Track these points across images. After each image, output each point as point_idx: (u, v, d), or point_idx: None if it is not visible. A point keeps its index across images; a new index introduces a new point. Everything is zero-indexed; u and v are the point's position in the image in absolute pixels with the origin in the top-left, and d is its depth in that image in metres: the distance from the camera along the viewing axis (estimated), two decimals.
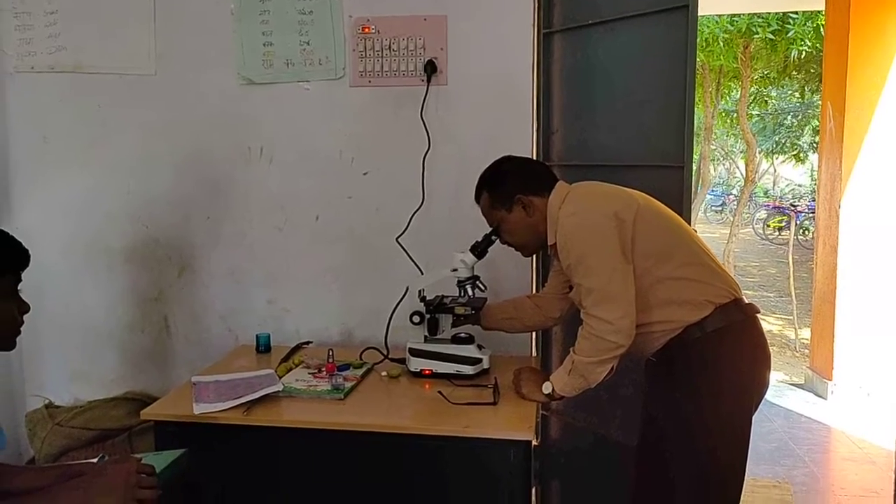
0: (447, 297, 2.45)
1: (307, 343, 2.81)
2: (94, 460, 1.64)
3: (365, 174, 2.83)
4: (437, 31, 2.70)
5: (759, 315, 2.03)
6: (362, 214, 2.84)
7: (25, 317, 1.51)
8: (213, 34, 2.85)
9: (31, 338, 1.52)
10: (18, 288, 1.47)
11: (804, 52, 6.80)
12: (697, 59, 4.21)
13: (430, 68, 2.70)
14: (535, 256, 2.77)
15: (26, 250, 1.46)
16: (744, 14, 6.55)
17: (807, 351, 5.91)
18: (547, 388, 2.06)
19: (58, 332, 3.03)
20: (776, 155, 16.32)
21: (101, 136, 2.96)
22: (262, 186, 2.89)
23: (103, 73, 2.93)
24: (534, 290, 2.77)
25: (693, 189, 3.92)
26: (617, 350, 1.91)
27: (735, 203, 14.99)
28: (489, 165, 2.18)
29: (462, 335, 2.41)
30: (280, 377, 2.32)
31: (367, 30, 2.75)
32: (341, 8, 2.75)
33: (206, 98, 2.89)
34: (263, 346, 2.74)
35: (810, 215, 12.64)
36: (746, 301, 2.01)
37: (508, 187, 2.11)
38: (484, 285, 2.38)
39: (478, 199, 2.19)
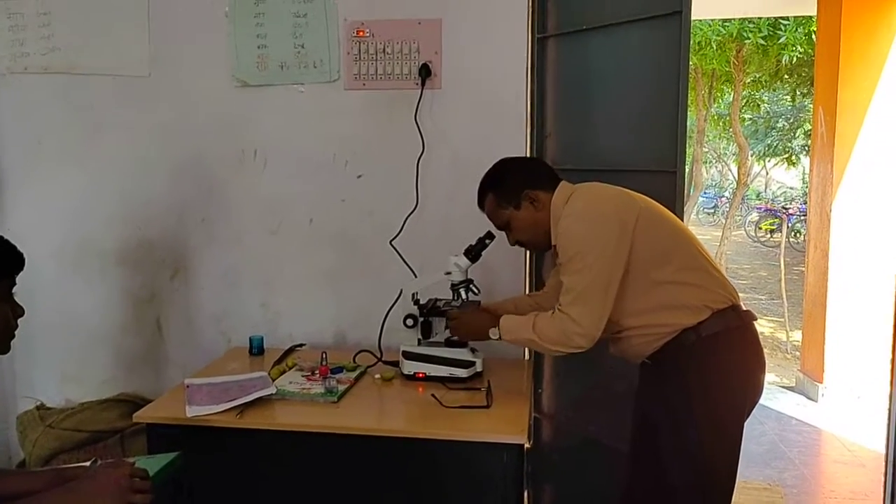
0: (441, 300, 2.46)
1: (300, 345, 2.81)
2: (87, 464, 1.63)
3: (359, 177, 2.83)
4: (431, 35, 2.71)
5: (755, 321, 2.04)
6: (356, 217, 2.84)
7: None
8: (207, 36, 2.85)
9: (22, 339, 1.52)
10: (13, 291, 1.47)
11: (795, 57, 6.83)
12: (690, 63, 4.23)
13: (425, 72, 2.70)
14: (527, 260, 2.78)
15: (21, 254, 1.46)
16: (736, 18, 6.58)
17: (798, 353, 5.93)
18: (494, 334, 2.13)
19: (50, 334, 3.02)
20: (768, 158, 16.37)
21: (94, 137, 2.95)
22: (256, 189, 2.89)
23: (97, 74, 2.92)
24: (526, 292, 2.78)
25: (686, 191, 3.92)
26: (576, 350, 1.95)
27: (727, 205, 15.03)
28: (489, 169, 2.17)
29: (455, 338, 2.42)
30: (273, 380, 2.32)
31: (361, 33, 2.75)
32: (336, 11, 2.75)
33: (200, 100, 2.88)
34: (257, 349, 2.74)
35: (802, 218, 12.68)
36: (744, 307, 2.02)
37: (514, 183, 2.09)
38: (477, 288, 2.38)
39: (481, 202, 2.16)
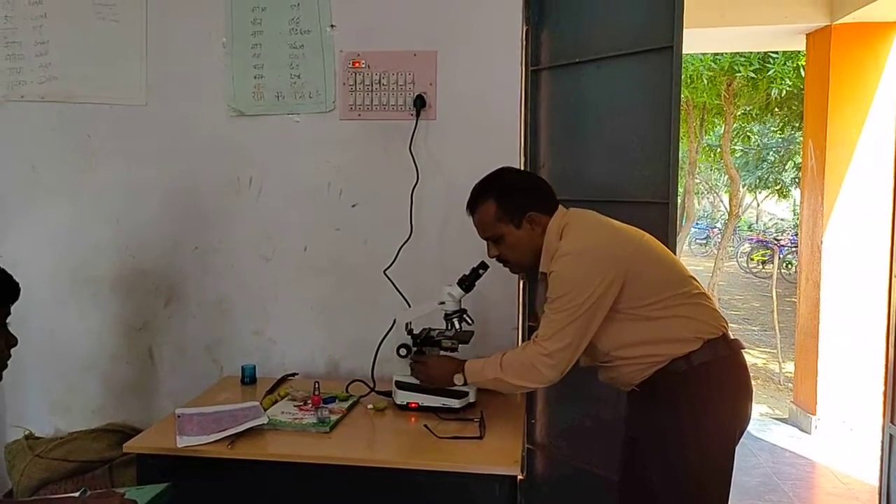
0: (434, 329, 2.45)
1: (293, 375, 2.79)
2: (76, 494, 1.61)
3: (353, 206, 2.84)
4: (426, 67, 2.74)
5: (743, 350, 2.05)
6: (350, 246, 2.85)
7: None
8: (204, 66, 2.87)
9: (12, 367, 1.51)
10: (7, 321, 1.46)
11: (785, 91, 6.92)
12: (682, 97, 4.28)
13: (420, 103, 2.72)
14: (520, 290, 2.78)
15: (16, 283, 1.45)
16: (726, 53, 6.68)
17: (791, 385, 5.93)
18: (459, 380, 2.17)
19: (40, 362, 3.00)
20: (759, 190, 16.51)
21: (89, 165, 2.96)
22: (251, 217, 2.90)
23: (94, 103, 2.93)
24: (519, 323, 2.78)
25: (678, 222, 3.91)
26: (543, 384, 2.01)
27: (719, 236, 15.13)
28: (490, 175, 2.16)
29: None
30: (265, 410, 2.31)
31: (357, 64, 2.78)
32: (332, 42, 2.79)
33: (196, 129, 2.90)
34: (249, 378, 2.73)
35: (793, 249, 12.77)
36: (732, 336, 2.03)
37: (522, 202, 2.07)
38: (471, 318, 2.39)
39: (478, 206, 2.13)
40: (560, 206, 2.12)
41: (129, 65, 2.91)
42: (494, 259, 2.19)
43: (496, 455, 2.03)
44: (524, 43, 2.76)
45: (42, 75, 2.94)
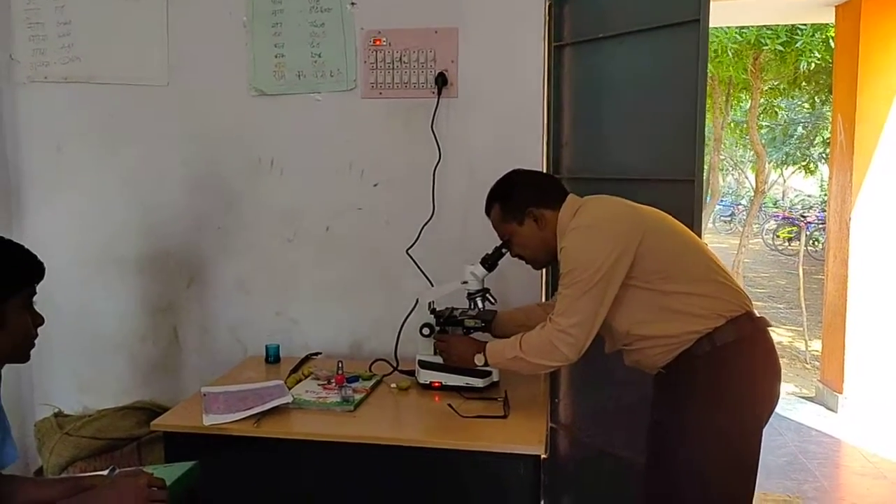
0: (457, 309, 2.45)
1: (316, 354, 2.80)
2: (105, 473, 1.64)
3: (375, 185, 2.83)
4: (448, 44, 2.71)
5: (769, 328, 2.02)
6: (372, 226, 2.85)
7: None
8: (225, 46, 2.87)
9: (40, 346, 1.52)
10: (33, 300, 1.48)
11: (813, 64, 6.78)
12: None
13: (441, 80, 2.70)
14: (544, 270, 2.76)
15: (41, 263, 1.46)
16: (752, 26, 6.54)
17: (817, 363, 5.87)
18: (479, 360, 2.15)
19: (67, 341, 3.05)
20: (786, 166, 16.28)
21: (113, 146, 2.97)
22: (273, 197, 2.90)
23: (116, 83, 2.94)
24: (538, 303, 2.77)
25: (703, 199, 3.85)
26: (562, 361, 1.98)
27: (744, 213, 14.95)
28: (499, 179, 2.19)
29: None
30: (290, 388, 2.32)
31: (378, 42, 2.76)
32: (353, 20, 2.77)
33: (218, 109, 2.90)
34: (272, 357, 2.75)
35: (820, 226, 12.59)
36: (758, 314, 2.00)
37: (520, 200, 2.11)
38: (494, 298, 2.38)
39: (488, 211, 2.19)
40: (573, 196, 2.12)
41: (150, 45, 2.91)
42: (517, 258, 2.21)
43: (520, 434, 2.03)
44: (546, 19, 2.72)
45: (65, 56, 2.95)
